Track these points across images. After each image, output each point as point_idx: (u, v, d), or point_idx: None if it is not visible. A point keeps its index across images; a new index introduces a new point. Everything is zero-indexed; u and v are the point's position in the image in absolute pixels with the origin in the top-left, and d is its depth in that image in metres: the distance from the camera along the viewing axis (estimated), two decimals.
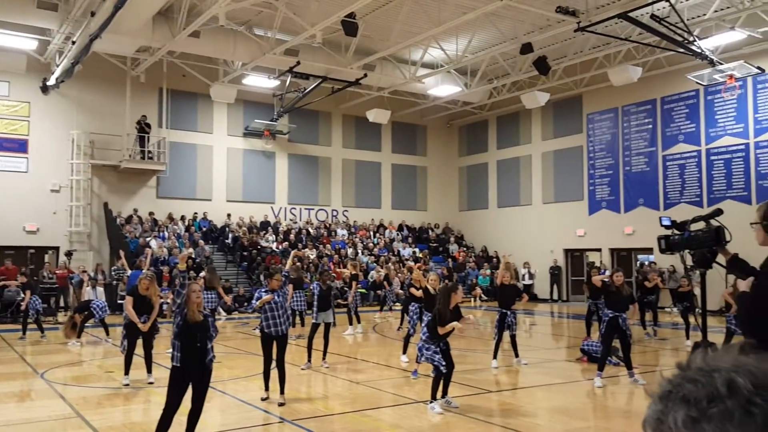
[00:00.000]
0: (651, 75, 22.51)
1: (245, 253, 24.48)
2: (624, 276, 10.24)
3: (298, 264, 19.78)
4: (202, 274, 15.61)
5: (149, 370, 9.73)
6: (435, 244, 30.04)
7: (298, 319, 16.19)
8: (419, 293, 11.05)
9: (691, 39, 17.71)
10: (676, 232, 4.89)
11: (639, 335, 14.68)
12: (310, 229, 27.61)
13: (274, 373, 8.42)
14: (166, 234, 24.01)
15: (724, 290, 11.22)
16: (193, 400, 6.11)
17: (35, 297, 15.16)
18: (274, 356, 8.39)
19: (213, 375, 6.36)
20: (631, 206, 24.53)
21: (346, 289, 20.28)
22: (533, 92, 24.08)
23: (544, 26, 19.08)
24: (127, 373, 9.59)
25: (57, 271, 21.04)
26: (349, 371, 11.01)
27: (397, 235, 29.52)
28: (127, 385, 9.47)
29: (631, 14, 16.47)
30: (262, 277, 21.69)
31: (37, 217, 22.80)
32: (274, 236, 26.04)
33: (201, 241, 24.01)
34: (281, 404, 8.20)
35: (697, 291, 13.91)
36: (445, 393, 8.17)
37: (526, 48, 18.85)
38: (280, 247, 25.32)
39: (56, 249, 23.16)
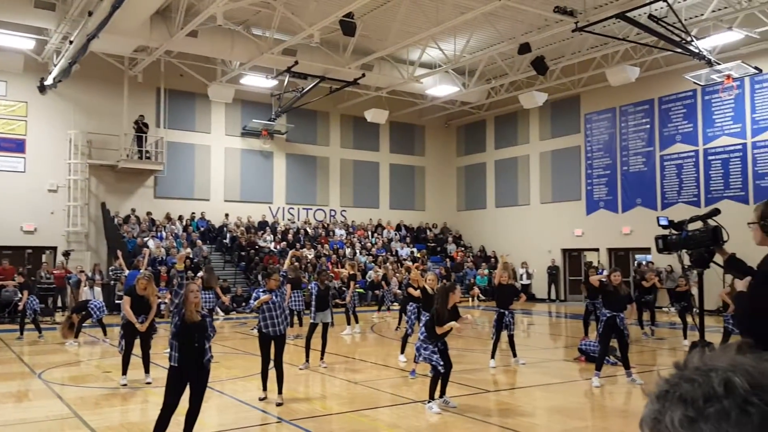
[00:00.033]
0: (648, 75, 22.54)
1: (243, 253, 24.46)
2: (622, 276, 10.25)
3: (296, 264, 19.78)
4: (200, 274, 15.59)
5: (147, 370, 9.72)
6: (433, 244, 30.05)
7: (296, 319, 16.19)
8: (417, 293, 11.05)
9: (688, 39, 17.73)
10: (673, 231, 4.90)
11: (636, 335, 14.70)
12: (308, 229, 27.60)
13: (272, 373, 8.42)
14: (164, 234, 23.99)
15: (721, 290, 11.27)
16: (191, 400, 6.11)
17: (33, 297, 15.13)
18: (272, 356, 8.39)
19: (211, 375, 6.35)
20: (629, 206, 24.55)
21: (344, 289, 20.30)
22: (531, 92, 24.09)
23: (542, 26, 19.09)
24: (124, 373, 9.58)
25: (54, 271, 21.01)
26: (347, 371, 11.00)
27: (395, 235, 29.52)
28: (125, 385, 9.46)
29: (628, 14, 16.49)
30: (260, 277, 21.70)
31: (35, 217, 22.76)
32: (272, 236, 26.03)
33: (199, 241, 24.00)
34: (279, 404, 8.20)
35: (694, 291, 13.90)
36: (443, 393, 8.17)
37: (524, 48, 18.86)
38: (278, 247, 25.31)
39: (54, 249, 23.13)
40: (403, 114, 29.42)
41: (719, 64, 19.08)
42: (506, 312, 11.17)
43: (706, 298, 5.46)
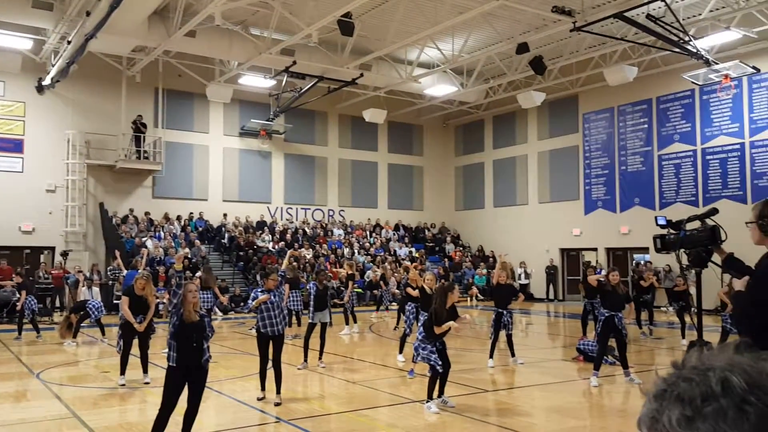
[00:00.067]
0: (646, 75, 22.56)
1: (241, 253, 24.45)
2: (620, 275, 10.26)
3: (295, 264, 19.77)
4: (198, 274, 15.59)
5: (145, 370, 9.71)
6: (431, 244, 30.05)
7: (294, 319, 16.18)
8: (415, 293, 11.05)
9: (686, 39, 17.74)
10: (671, 231, 4.90)
11: (635, 334, 14.72)
12: (306, 229, 27.60)
13: (270, 373, 8.42)
14: (162, 234, 23.98)
15: (719, 289, 11.27)
16: (189, 400, 6.11)
17: (31, 297, 15.13)
18: (271, 356, 8.39)
19: (209, 375, 6.35)
20: (627, 206, 24.57)
21: (342, 288, 20.29)
22: (529, 92, 24.10)
23: (540, 26, 19.10)
24: (123, 373, 9.58)
25: (53, 271, 20.98)
26: (345, 371, 11.01)
27: (394, 234, 29.52)
28: (123, 385, 9.46)
29: (626, 14, 16.49)
30: (258, 277, 21.69)
31: (33, 217, 22.74)
32: (270, 236, 26.02)
33: (197, 241, 23.99)
34: (278, 404, 8.19)
35: (692, 290, 13.95)
36: (441, 392, 8.17)
37: (522, 48, 18.86)
38: (277, 246, 25.30)
39: (52, 249, 23.11)
40: (402, 114, 29.42)
41: (717, 63, 19.11)
42: (504, 312, 11.18)
43: (704, 298, 5.47)
